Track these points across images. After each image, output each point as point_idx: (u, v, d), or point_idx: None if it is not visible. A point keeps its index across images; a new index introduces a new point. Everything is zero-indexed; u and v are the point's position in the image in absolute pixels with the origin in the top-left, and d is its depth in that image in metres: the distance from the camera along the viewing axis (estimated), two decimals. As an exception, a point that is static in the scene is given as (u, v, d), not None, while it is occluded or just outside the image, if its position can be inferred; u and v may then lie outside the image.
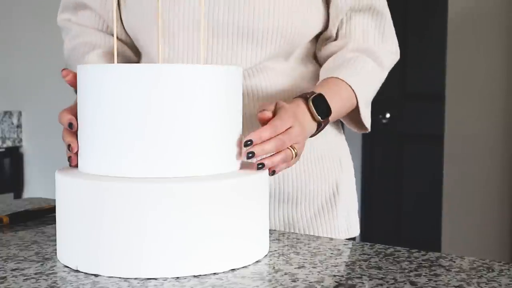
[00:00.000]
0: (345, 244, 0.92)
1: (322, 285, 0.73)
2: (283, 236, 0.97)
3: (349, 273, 0.78)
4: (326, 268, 0.80)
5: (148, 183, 0.75)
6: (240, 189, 0.80)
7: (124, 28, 1.15)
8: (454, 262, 0.83)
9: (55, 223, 0.87)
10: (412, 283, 0.74)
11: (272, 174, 0.89)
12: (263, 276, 0.77)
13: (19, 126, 3.27)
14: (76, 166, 0.85)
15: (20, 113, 3.27)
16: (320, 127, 1.01)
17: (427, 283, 0.74)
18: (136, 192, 0.74)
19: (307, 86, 1.11)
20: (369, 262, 0.83)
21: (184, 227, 0.75)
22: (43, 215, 1.09)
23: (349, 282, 0.75)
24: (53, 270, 0.79)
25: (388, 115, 3.58)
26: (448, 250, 2.90)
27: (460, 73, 2.86)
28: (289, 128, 0.90)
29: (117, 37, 1.17)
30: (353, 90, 1.07)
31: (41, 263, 0.82)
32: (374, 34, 1.12)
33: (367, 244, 0.92)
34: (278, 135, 0.88)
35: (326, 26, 1.13)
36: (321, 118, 0.99)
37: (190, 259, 0.76)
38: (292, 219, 1.13)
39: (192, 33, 1.04)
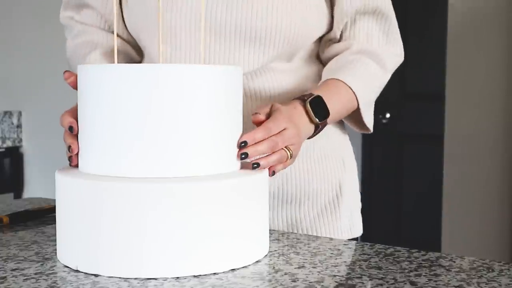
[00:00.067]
0: (345, 244, 0.92)
1: (322, 285, 0.73)
2: (283, 236, 0.97)
3: (349, 273, 0.78)
4: (326, 268, 0.80)
5: (148, 183, 0.75)
6: (240, 189, 0.80)
7: (126, 27, 1.15)
8: (454, 262, 0.83)
9: (55, 223, 0.87)
10: (412, 283, 0.74)
11: (272, 175, 0.90)
12: (263, 276, 0.77)
13: (19, 126, 3.27)
14: (76, 166, 0.85)
15: (20, 113, 3.27)
16: (317, 129, 1.01)
17: (427, 283, 0.74)
18: (136, 192, 0.74)
19: (311, 86, 1.11)
20: (369, 262, 0.83)
21: (184, 227, 0.75)
22: (43, 215, 1.09)
23: (349, 282, 0.75)
24: (53, 270, 0.79)
25: (388, 115, 3.58)
26: (448, 250, 2.90)
27: (460, 73, 2.86)
28: (283, 129, 0.91)
29: (120, 36, 1.17)
30: (353, 92, 1.07)
31: (41, 263, 0.82)
32: (378, 37, 1.12)
33: (367, 244, 0.92)
34: (271, 136, 0.89)
35: (329, 28, 1.12)
36: (319, 120, 0.99)
37: (190, 259, 0.76)
38: (295, 219, 1.13)
39: (194, 33, 1.04)
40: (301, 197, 1.12)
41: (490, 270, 0.79)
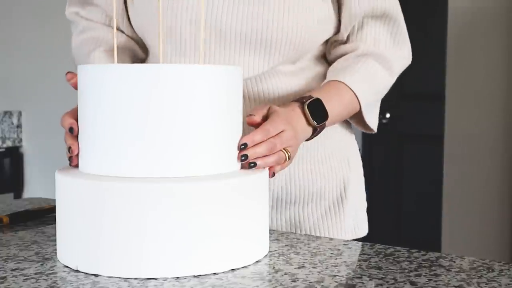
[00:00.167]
0: (345, 244, 0.92)
1: (322, 285, 0.73)
2: (283, 236, 0.97)
3: (349, 273, 0.78)
4: (326, 268, 0.80)
5: (148, 183, 0.75)
6: (240, 189, 0.80)
7: (131, 25, 1.15)
8: (454, 262, 0.83)
9: (55, 223, 0.87)
10: (412, 283, 0.74)
11: (272, 176, 0.90)
12: (263, 276, 0.77)
13: (19, 126, 3.27)
14: (76, 166, 0.85)
15: (20, 113, 3.27)
16: (315, 132, 1.01)
17: (427, 283, 0.74)
18: (136, 192, 0.74)
19: (316, 86, 1.11)
20: (369, 262, 0.83)
21: (184, 227, 0.75)
22: (43, 215, 1.09)
23: (349, 282, 0.75)
24: (53, 270, 0.79)
25: (388, 115, 3.58)
26: (448, 250, 2.90)
27: (460, 73, 2.86)
28: (281, 131, 0.91)
29: (125, 34, 1.17)
30: (354, 94, 1.06)
31: (41, 263, 0.82)
32: (386, 40, 1.12)
33: (367, 244, 0.92)
34: (270, 138, 0.89)
35: (336, 31, 1.11)
36: (317, 123, 0.99)
37: (190, 259, 0.76)
38: (298, 220, 1.12)
39: (197, 36, 1.03)
40: (305, 198, 1.12)
41: (490, 270, 0.79)
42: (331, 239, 0.95)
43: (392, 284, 0.74)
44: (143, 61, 1.20)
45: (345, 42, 1.12)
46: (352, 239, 1.16)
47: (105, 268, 0.76)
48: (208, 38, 1.03)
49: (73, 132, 0.84)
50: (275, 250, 0.88)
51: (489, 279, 0.76)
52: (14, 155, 3.25)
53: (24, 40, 3.23)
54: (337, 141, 1.15)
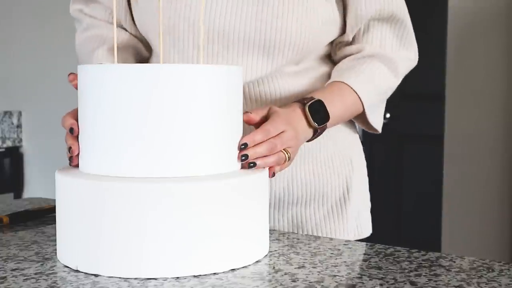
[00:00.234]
0: (345, 244, 0.92)
1: (322, 285, 0.73)
2: (283, 236, 0.97)
3: (349, 273, 0.78)
4: (326, 268, 0.80)
5: (148, 183, 0.75)
6: (240, 189, 0.80)
7: (135, 23, 1.15)
8: (454, 262, 0.83)
9: (55, 223, 0.87)
10: (412, 283, 0.74)
11: (272, 176, 0.90)
12: (263, 276, 0.77)
13: (19, 126, 3.27)
14: (77, 166, 0.85)
15: (20, 113, 3.27)
16: (316, 133, 1.01)
17: (427, 283, 0.74)
18: (136, 192, 0.74)
19: (321, 86, 1.10)
20: (369, 262, 0.83)
21: (184, 227, 0.75)
22: (43, 215, 1.09)
23: (349, 282, 0.75)
24: (53, 270, 0.79)
25: (388, 115, 3.58)
26: (448, 250, 2.90)
27: (460, 73, 2.86)
28: (281, 132, 0.91)
29: (129, 32, 1.17)
30: (358, 95, 1.06)
31: (41, 263, 0.82)
32: (392, 42, 1.11)
33: (367, 244, 0.92)
34: (270, 138, 0.89)
35: (341, 32, 1.11)
36: (318, 124, 0.99)
37: (190, 259, 0.76)
38: (300, 220, 1.12)
39: (199, 38, 1.03)
40: (307, 198, 1.12)
41: (490, 270, 0.79)
42: (331, 239, 0.95)
43: (392, 284, 0.74)
44: (147, 59, 1.20)
45: (351, 43, 1.11)
46: (355, 240, 1.15)
47: (105, 268, 0.76)
48: (211, 39, 1.03)
49: (73, 133, 0.84)
50: (275, 250, 0.88)
51: (489, 279, 0.76)
52: (14, 155, 3.25)
53: (24, 40, 3.23)
54: (340, 141, 1.15)
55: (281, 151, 0.91)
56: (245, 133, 0.88)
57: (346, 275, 0.77)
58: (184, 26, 1.03)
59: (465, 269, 0.80)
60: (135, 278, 0.75)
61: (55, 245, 0.87)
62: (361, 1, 1.06)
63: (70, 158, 0.85)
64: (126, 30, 1.17)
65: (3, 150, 3.20)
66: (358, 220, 1.17)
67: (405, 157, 3.63)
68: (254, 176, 0.82)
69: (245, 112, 0.91)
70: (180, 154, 0.78)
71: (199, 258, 0.76)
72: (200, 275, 0.76)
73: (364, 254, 0.87)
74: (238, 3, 1.01)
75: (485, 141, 2.82)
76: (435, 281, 0.75)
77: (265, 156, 0.88)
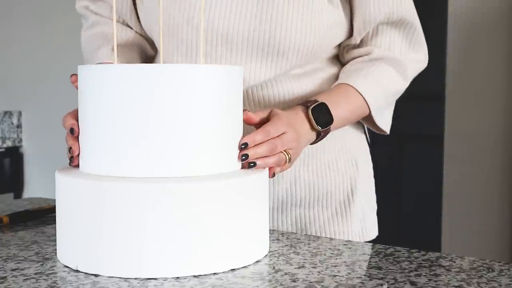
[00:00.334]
0: (345, 244, 0.92)
1: (322, 285, 0.73)
2: (283, 236, 0.97)
3: (349, 273, 0.78)
4: (326, 268, 0.80)
5: (148, 183, 0.75)
6: (241, 189, 0.80)
7: (140, 22, 1.15)
8: (454, 262, 0.83)
9: (55, 223, 0.87)
10: (412, 283, 0.74)
11: (272, 177, 0.90)
12: (263, 276, 0.77)
13: (19, 126, 3.26)
14: (77, 166, 0.85)
15: (20, 113, 3.27)
16: (320, 136, 1.00)
17: (427, 283, 0.74)
18: (136, 192, 0.74)
19: (328, 88, 1.09)
20: (369, 262, 0.83)
21: (184, 227, 0.75)
22: (43, 215, 1.09)
23: (349, 282, 0.75)
24: (53, 270, 0.79)
25: (388, 115, 3.57)
26: (448, 250, 2.89)
27: (460, 73, 2.86)
28: (282, 133, 0.91)
29: (135, 31, 1.17)
30: (364, 98, 1.05)
31: (41, 263, 0.82)
32: (401, 45, 1.10)
33: (367, 244, 0.92)
34: (271, 139, 0.89)
35: (348, 36, 1.10)
36: (321, 128, 0.98)
37: (190, 259, 0.76)
38: (304, 222, 1.12)
39: (206, 41, 1.02)
40: (310, 200, 1.11)
41: (490, 270, 0.79)
42: (331, 239, 0.95)
43: (392, 284, 0.74)
44: (152, 58, 1.19)
45: (358, 46, 1.10)
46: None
47: (105, 268, 0.76)
48: (215, 42, 1.02)
49: (74, 133, 0.84)
50: (275, 250, 0.88)
51: (489, 279, 0.76)
52: (14, 155, 3.25)
53: (24, 40, 3.23)
54: (345, 142, 1.14)
55: (281, 152, 0.91)
56: (245, 133, 0.88)
57: (346, 275, 0.77)
58: (187, 29, 1.03)
59: (465, 269, 0.80)
60: (135, 278, 0.75)
61: (55, 245, 0.87)
62: (370, 5, 1.05)
63: (71, 159, 0.85)
64: (132, 29, 1.17)
65: (3, 150, 3.20)
66: (363, 222, 1.16)
67: (405, 157, 3.63)
68: (254, 176, 0.82)
69: (244, 110, 0.91)
70: (181, 154, 0.78)
71: (199, 258, 0.76)
72: (200, 275, 0.76)
73: (364, 254, 0.87)
74: (242, 6, 1.00)
75: (485, 141, 2.82)
76: (435, 281, 0.75)
77: (265, 156, 0.88)
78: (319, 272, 0.78)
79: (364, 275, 0.77)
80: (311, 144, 1.02)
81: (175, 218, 0.75)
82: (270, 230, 0.98)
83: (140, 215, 0.74)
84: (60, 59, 3.05)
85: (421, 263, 0.82)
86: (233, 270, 0.79)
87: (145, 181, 0.76)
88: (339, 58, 1.14)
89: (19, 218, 1.06)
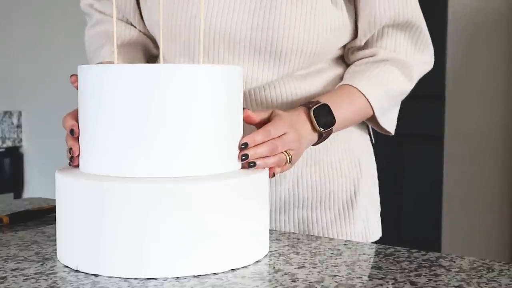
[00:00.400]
0: (345, 244, 0.92)
1: (322, 285, 0.73)
2: (283, 236, 0.97)
3: (349, 273, 0.78)
4: (326, 268, 0.80)
5: (148, 183, 0.75)
6: (241, 189, 0.80)
7: (143, 21, 1.15)
8: (454, 262, 0.83)
9: (55, 223, 0.87)
10: (412, 283, 0.74)
11: (272, 177, 0.90)
12: (263, 276, 0.77)
13: (19, 126, 3.26)
14: (77, 167, 0.85)
15: (20, 113, 3.27)
16: (322, 137, 1.00)
17: (427, 283, 0.74)
18: (136, 192, 0.74)
19: (332, 89, 1.09)
20: (369, 262, 0.83)
21: (184, 227, 0.75)
22: (43, 215, 1.09)
23: (349, 282, 0.75)
24: (53, 270, 0.79)
25: (388, 115, 3.57)
26: (448, 250, 2.90)
27: (460, 73, 2.86)
28: (283, 134, 0.91)
29: (139, 30, 1.17)
30: (367, 99, 1.05)
31: (41, 263, 0.82)
32: (407, 47, 1.09)
33: (367, 244, 0.92)
34: (271, 139, 0.89)
35: (353, 37, 1.09)
36: (323, 129, 0.98)
37: (190, 259, 0.76)
38: (307, 224, 1.11)
39: (206, 41, 1.02)
40: (313, 201, 1.10)
41: (490, 270, 0.79)
42: (331, 239, 0.95)
43: (392, 284, 0.74)
44: (156, 57, 1.19)
45: (363, 47, 1.10)
46: None
47: (105, 268, 0.76)
48: (217, 44, 1.01)
49: (74, 134, 0.84)
50: (275, 250, 0.88)
51: (489, 279, 0.76)
52: (14, 155, 3.25)
53: (24, 40, 3.23)
54: (348, 143, 1.13)
55: (282, 152, 0.91)
56: (246, 133, 0.88)
57: (346, 275, 0.77)
58: (189, 30, 1.03)
59: (465, 269, 0.80)
60: (135, 278, 0.75)
61: (55, 245, 0.87)
62: (375, 7, 1.04)
63: (71, 159, 0.85)
64: (136, 28, 1.17)
65: (3, 150, 3.20)
66: (367, 223, 1.16)
67: (405, 157, 3.63)
68: (254, 176, 0.82)
69: (244, 109, 0.90)
70: (181, 154, 0.78)
71: (199, 258, 0.76)
72: (200, 275, 0.76)
73: (364, 254, 0.87)
74: (246, 6, 0.99)
75: (485, 141, 2.82)
76: (435, 281, 0.75)
77: (265, 156, 0.88)
78: (319, 272, 0.78)
79: (364, 275, 0.77)
80: (314, 145, 1.01)
81: (175, 218, 0.75)
82: (270, 230, 0.98)
83: (140, 215, 0.74)
84: (60, 59, 3.05)
85: (421, 263, 0.82)
86: (233, 270, 0.79)
87: (145, 181, 0.76)
88: (344, 59, 1.14)
89: (19, 218, 1.06)
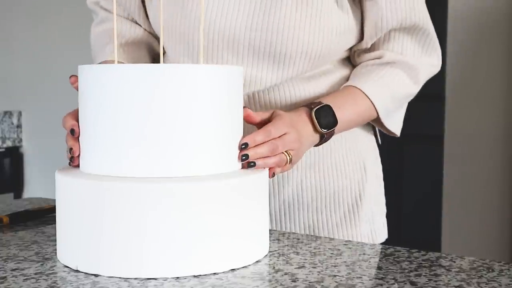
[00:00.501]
0: (345, 244, 0.92)
1: (322, 285, 0.73)
2: (283, 236, 0.97)
3: (349, 273, 0.78)
4: (326, 268, 0.80)
5: (148, 183, 0.75)
6: (241, 189, 0.80)
7: (148, 19, 1.14)
8: (454, 262, 0.83)
9: (55, 223, 0.87)
10: (412, 283, 0.74)
11: (272, 177, 0.90)
12: (263, 276, 0.77)
13: (19, 126, 3.26)
14: (77, 167, 0.85)
15: (20, 113, 3.27)
16: (324, 138, 1.00)
17: (427, 283, 0.74)
18: (136, 192, 0.74)
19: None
20: (369, 262, 0.83)
21: (184, 227, 0.75)
22: (43, 215, 1.09)
23: (349, 282, 0.75)
24: (53, 270, 0.79)
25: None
26: (448, 250, 2.90)
27: (460, 73, 2.86)
28: (284, 134, 0.91)
29: (144, 29, 1.17)
30: (371, 101, 1.04)
31: (41, 263, 0.82)
32: (414, 50, 1.08)
33: (367, 244, 0.92)
34: (272, 139, 0.89)
35: (359, 40, 1.08)
36: (325, 130, 0.98)
37: (190, 259, 0.76)
38: (313, 227, 1.10)
39: (210, 44, 1.02)
40: (317, 203, 1.10)
41: (490, 270, 0.79)
42: (331, 239, 0.95)
43: (392, 284, 0.74)
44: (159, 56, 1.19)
45: (369, 50, 1.09)
46: None
47: (105, 268, 0.76)
48: (221, 47, 1.01)
49: (74, 134, 0.84)
50: (275, 250, 0.88)
51: (489, 279, 0.76)
52: (14, 155, 3.25)
53: (24, 40, 3.23)
54: (353, 144, 1.12)
55: (282, 153, 0.90)
56: (246, 133, 0.88)
57: (346, 275, 0.77)
58: (194, 33, 1.02)
59: (465, 269, 0.80)
60: (135, 278, 0.75)
61: (55, 245, 0.87)
62: (382, 11, 1.03)
63: (71, 159, 0.85)
64: (141, 26, 1.17)
65: (3, 150, 3.20)
66: (373, 225, 1.15)
67: (405, 157, 3.63)
68: (254, 176, 0.82)
69: (244, 107, 0.90)
70: (181, 154, 0.78)
71: (199, 258, 0.76)
72: (200, 275, 0.76)
73: (364, 254, 0.87)
74: (245, 9, 0.99)
75: (485, 141, 2.82)
76: (435, 281, 0.75)
77: (266, 157, 0.88)
78: (319, 272, 0.78)
79: (364, 275, 0.77)
80: (315, 146, 1.01)
81: (175, 218, 0.75)
82: (270, 230, 0.98)
83: (140, 215, 0.74)
84: (60, 59, 3.05)
85: (421, 263, 0.82)
86: (233, 270, 0.79)
87: (145, 181, 0.76)
88: (351, 60, 1.13)
89: (19, 218, 1.06)
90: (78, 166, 0.85)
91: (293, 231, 1.10)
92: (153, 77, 0.77)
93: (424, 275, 0.77)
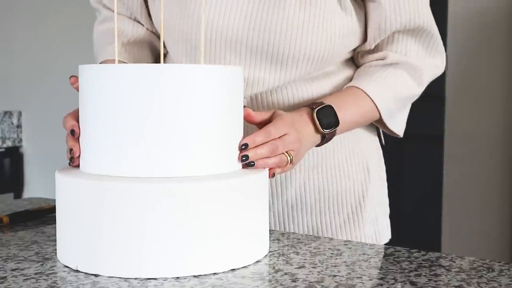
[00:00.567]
0: (345, 244, 0.92)
1: (322, 285, 0.73)
2: (283, 236, 0.97)
3: (349, 273, 0.78)
4: (326, 268, 0.80)
5: (148, 183, 0.75)
6: (241, 189, 0.80)
7: (150, 18, 1.14)
8: (454, 262, 0.83)
9: (55, 223, 0.87)
10: (412, 283, 0.74)
11: (272, 177, 0.90)
12: (263, 276, 0.77)
13: (19, 126, 3.26)
14: (77, 167, 0.85)
15: (20, 113, 3.27)
16: (325, 139, 0.99)
17: (427, 283, 0.74)
18: (136, 192, 0.74)
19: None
20: (369, 262, 0.83)
21: (184, 227, 0.75)
22: (43, 215, 1.09)
23: (349, 282, 0.75)
24: (53, 270, 0.79)
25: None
26: (448, 250, 2.90)
27: (460, 73, 2.86)
28: (284, 134, 0.90)
29: (147, 28, 1.17)
30: (373, 101, 1.04)
31: (41, 263, 0.82)
32: (418, 51, 1.08)
33: (366, 244, 0.92)
34: (272, 140, 0.89)
35: (362, 41, 1.08)
36: (326, 130, 0.97)
37: (190, 259, 0.76)
38: (317, 231, 1.10)
39: (208, 44, 1.02)
40: (321, 205, 1.09)
41: (490, 270, 0.79)
42: (331, 239, 0.95)
43: (392, 284, 0.74)
44: (164, 55, 1.19)
45: (373, 51, 1.09)
46: None
47: (105, 268, 0.76)
48: (223, 48, 1.01)
49: (74, 135, 0.84)
50: (275, 250, 0.88)
51: (489, 279, 0.76)
52: (14, 155, 3.25)
53: (24, 40, 3.23)
54: (356, 145, 1.12)
55: (283, 153, 0.90)
56: (246, 134, 0.88)
57: (346, 275, 0.77)
58: (196, 34, 1.02)
59: (465, 269, 0.80)
60: (135, 278, 0.75)
61: (55, 245, 0.87)
62: (386, 13, 1.03)
63: (71, 159, 0.85)
64: (143, 25, 1.16)
65: (3, 150, 3.20)
66: (376, 226, 1.15)
67: (405, 157, 3.63)
68: (254, 176, 0.82)
69: (245, 107, 0.90)
70: (181, 154, 0.78)
71: (199, 258, 0.76)
72: (200, 275, 0.76)
73: (364, 254, 0.87)
74: (251, 12, 0.98)
75: (485, 141, 2.82)
76: (435, 281, 0.75)
77: (266, 157, 0.88)
78: (319, 272, 0.78)
79: (364, 275, 0.77)
80: (317, 146, 1.01)
81: (175, 218, 0.75)
82: (270, 230, 0.98)
83: (140, 215, 0.74)
84: (60, 59, 3.05)
85: (421, 263, 0.82)
86: (233, 270, 0.79)
87: (145, 181, 0.76)
88: (355, 61, 1.13)
89: (19, 218, 1.06)
90: (78, 166, 0.85)
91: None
92: (153, 77, 0.77)
93: (424, 275, 0.77)
